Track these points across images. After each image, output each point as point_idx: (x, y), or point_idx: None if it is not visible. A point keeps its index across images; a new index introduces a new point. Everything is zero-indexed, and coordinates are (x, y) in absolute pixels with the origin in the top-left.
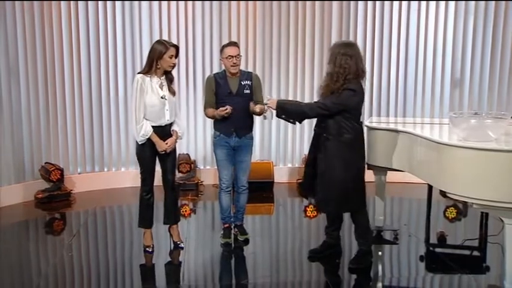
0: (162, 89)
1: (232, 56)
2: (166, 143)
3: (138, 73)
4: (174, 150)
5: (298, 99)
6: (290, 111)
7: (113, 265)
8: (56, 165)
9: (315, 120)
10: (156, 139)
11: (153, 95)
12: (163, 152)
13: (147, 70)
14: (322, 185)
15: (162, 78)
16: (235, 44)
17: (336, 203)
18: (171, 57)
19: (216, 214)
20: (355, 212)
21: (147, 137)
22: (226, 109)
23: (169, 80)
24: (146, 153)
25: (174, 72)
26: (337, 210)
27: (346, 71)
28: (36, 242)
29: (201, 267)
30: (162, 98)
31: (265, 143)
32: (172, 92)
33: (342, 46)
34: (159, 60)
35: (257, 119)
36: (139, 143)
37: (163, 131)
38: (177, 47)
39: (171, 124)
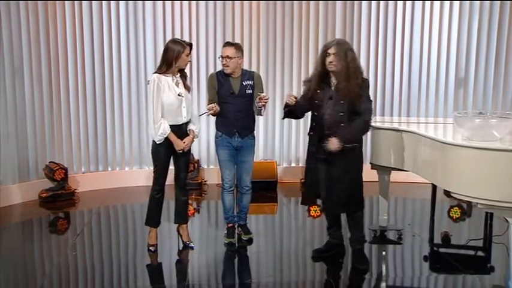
0: (178, 87)
1: (223, 57)
2: (184, 142)
3: (154, 73)
4: (189, 149)
5: None
6: (356, 139)
7: (117, 264)
8: (60, 164)
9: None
10: (173, 138)
11: (170, 93)
12: (180, 151)
13: (165, 70)
14: (332, 187)
15: (177, 76)
16: (230, 45)
17: (344, 205)
18: (187, 56)
19: (219, 213)
20: (354, 212)
21: (165, 136)
22: (213, 109)
23: (184, 77)
24: (162, 152)
25: None
26: (343, 212)
27: (358, 67)
28: (40, 241)
29: (204, 267)
30: (179, 95)
31: (269, 142)
32: (188, 88)
33: (346, 42)
34: (177, 59)
35: (259, 119)
36: (158, 142)
37: (180, 130)
38: (191, 45)
39: (187, 123)
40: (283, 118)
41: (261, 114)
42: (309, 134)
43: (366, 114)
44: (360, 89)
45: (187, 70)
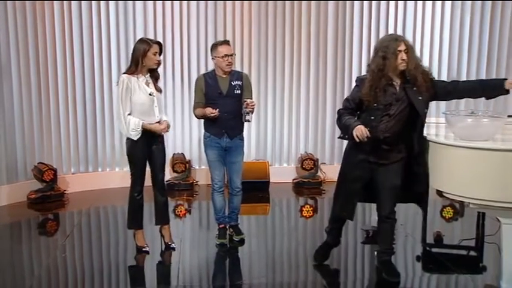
0: (148, 86)
1: (228, 55)
2: (161, 124)
3: (124, 73)
4: (164, 148)
5: (294, 98)
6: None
7: (106, 266)
8: (49, 165)
9: (318, 120)
10: (149, 126)
11: (141, 92)
12: (162, 133)
13: (134, 70)
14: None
15: (147, 76)
16: (229, 43)
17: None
18: (154, 54)
19: (211, 214)
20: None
21: (139, 129)
22: (214, 113)
23: (155, 78)
24: (138, 153)
25: (170, 72)
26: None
27: None
28: (29, 243)
29: (196, 268)
30: (150, 94)
31: (261, 142)
32: (159, 90)
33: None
34: (144, 58)
35: (252, 119)
36: (135, 138)
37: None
38: (160, 44)
39: (159, 122)
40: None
41: (248, 120)
42: (358, 141)
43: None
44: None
45: (178, 71)
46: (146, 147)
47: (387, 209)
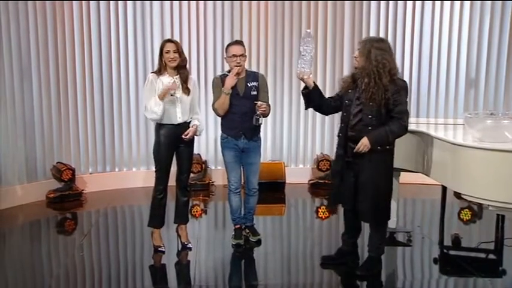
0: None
1: (236, 56)
2: (187, 134)
3: (151, 72)
4: (192, 150)
5: None
6: (384, 142)
7: (124, 265)
8: (67, 165)
9: (334, 121)
10: (161, 91)
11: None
12: (185, 138)
13: (159, 69)
14: (359, 193)
15: (175, 77)
16: (240, 43)
17: (370, 214)
18: (167, 52)
19: (227, 215)
20: (379, 224)
21: (161, 105)
22: (237, 68)
23: (183, 78)
24: (162, 152)
25: None
26: (368, 222)
27: (387, 66)
28: (48, 242)
29: (212, 268)
30: (171, 95)
31: (277, 143)
32: (186, 91)
33: (375, 40)
34: (162, 57)
35: (267, 119)
36: (159, 112)
37: (177, 131)
38: (173, 42)
39: (185, 124)
40: (306, 108)
41: (260, 123)
42: (338, 135)
43: (400, 119)
44: (386, 91)
45: (194, 71)
46: (172, 148)
47: (366, 207)
